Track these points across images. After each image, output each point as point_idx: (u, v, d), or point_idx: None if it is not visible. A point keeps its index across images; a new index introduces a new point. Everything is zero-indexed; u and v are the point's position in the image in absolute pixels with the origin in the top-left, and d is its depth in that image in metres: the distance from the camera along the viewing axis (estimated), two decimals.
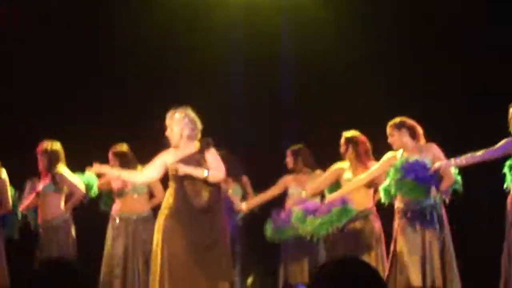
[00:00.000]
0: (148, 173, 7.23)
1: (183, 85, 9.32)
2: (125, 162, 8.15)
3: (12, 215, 7.78)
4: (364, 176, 7.52)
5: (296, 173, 8.57)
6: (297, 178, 8.53)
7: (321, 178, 7.99)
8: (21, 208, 7.93)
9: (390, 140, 7.32)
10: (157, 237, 6.95)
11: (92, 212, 8.52)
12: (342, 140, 7.77)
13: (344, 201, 7.44)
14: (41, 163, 7.90)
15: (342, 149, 7.77)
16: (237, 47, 9.86)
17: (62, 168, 7.91)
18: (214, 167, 6.97)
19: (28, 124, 9.09)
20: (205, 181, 6.96)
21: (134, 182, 7.85)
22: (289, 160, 8.68)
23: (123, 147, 8.32)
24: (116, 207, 8.38)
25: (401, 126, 7.28)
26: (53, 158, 7.88)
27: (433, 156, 7.15)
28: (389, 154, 7.33)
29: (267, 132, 9.37)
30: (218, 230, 6.98)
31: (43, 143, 7.94)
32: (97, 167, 7.40)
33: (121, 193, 8.35)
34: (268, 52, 9.74)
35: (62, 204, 7.96)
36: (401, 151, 7.25)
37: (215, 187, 7.04)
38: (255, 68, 9.70)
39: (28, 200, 8.00)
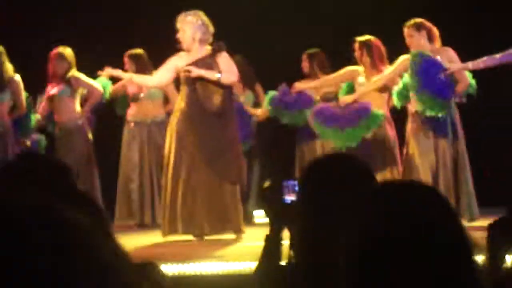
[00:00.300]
0: (160, 77, 7.22)
1: None
2: (140, 66, 8.13)
3: (26, 118, 7.83)
4: (378, 79, 7.47)
5: (310, 78, 8.49)
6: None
7: (333, 76, 7.92)
8: (37, 114, 7.97)
9: (407, 41, 7.21)
10: (169, 140, 6.98)
11: (108, 116, 8.54)
12: (356, 45, 7.68)
13: (367, 109, 7.40)
14: (55, 68, 7.89)
15: (357, 53, 7.68)
16: None
17: (77, 72, 7.91)
18: (226, 70, 6.94)
19: (37, 30, 9.03)
20: (217, 85, 6.94)
21: (148, 86, 7.84)
22: (305, 65, 8.61)
23: (138, 51, 8.29)
24: (131, 111, 8.40)
25: (420, 27, 7.17)
26: (68, 63, 7.87)
27: (448, 60, 7.07)
28: (403, 57, 7.24)
29: (279, 37, 9.23)
30: (230, 136, 7.00)
31: (57, 48, 7.92)
32: (108, 71, 7.41)
33: (136, 97, 8.35)
34: None
35: (78, 108, 7.98)
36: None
37: (227, 92, 7.03)
38: None
39: (41, 106, 8.04)
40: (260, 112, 8.51)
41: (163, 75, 7.15)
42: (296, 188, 2.31)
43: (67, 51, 7.88)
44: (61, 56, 7.86)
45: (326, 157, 2.36)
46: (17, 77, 7.66)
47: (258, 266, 2.47)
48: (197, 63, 6.95)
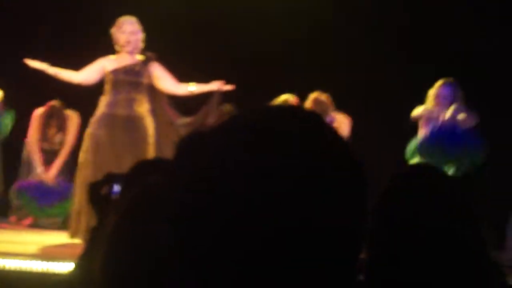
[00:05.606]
0: (87, 75, 7.02)
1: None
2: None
3: None
4: None
5: None
6: None
7: None
8: None
9: None
10: (85, 144, 6.84)
11: None
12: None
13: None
14: None
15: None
16: None
17: None
18: (166, 77, 6.91)
19: None
20: (143, 91, 6.80)
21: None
22: None
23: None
24: None
25: None
26: None
27: None
28: None
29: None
30: (141, 136, 6.81)
31: None
32: (30, 63, 7.07)
33: None
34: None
35: None
36: None
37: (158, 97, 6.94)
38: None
39: None
40: None
41: (90, 74, 6.99)
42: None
43: None
44: None
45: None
46: None
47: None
48: (126, 69, 6.84)
